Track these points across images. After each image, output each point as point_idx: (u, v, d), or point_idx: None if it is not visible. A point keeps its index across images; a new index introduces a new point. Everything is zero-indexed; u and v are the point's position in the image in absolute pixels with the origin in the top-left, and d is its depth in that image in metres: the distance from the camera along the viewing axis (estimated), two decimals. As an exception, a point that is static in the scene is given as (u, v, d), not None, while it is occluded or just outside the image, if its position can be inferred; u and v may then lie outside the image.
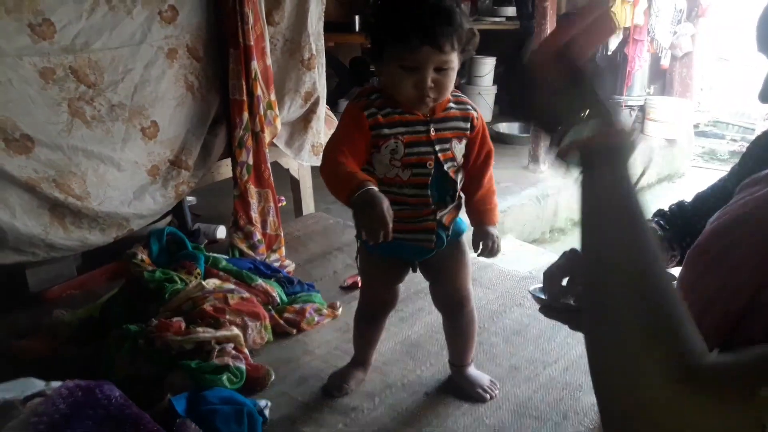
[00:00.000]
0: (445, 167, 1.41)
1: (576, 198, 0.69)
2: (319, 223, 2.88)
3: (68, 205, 2.07)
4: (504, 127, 5.03)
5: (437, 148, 1.39)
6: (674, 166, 5.30)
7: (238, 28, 2.35)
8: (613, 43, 4.71)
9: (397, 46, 1.26)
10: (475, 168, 1.48)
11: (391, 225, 1.18)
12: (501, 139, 4.82)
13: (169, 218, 2.79)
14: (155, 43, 2.26)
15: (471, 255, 1.57)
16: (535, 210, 4.03)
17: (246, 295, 1.85)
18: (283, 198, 3.45)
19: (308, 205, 3.19)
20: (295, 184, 3.15)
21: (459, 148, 1.43)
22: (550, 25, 4.01)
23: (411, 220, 1.45)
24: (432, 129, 1.39)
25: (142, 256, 1.96)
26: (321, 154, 2.95)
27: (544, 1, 3.98)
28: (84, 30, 2.07)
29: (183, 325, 1.68)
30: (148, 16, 2.23)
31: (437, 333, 1.94)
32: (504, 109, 5.71)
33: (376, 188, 1.22)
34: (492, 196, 1.52)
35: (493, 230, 1.50)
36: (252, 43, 2.39)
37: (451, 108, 1.42)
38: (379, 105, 1.37)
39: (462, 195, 1.52)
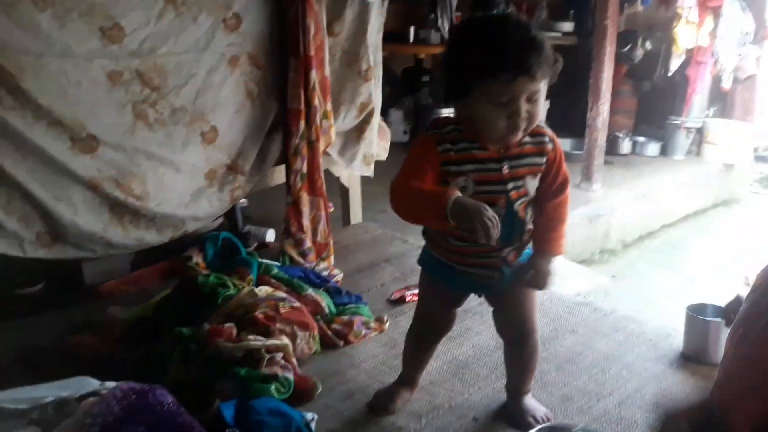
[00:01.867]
0: (516, 205, 1.37)
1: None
2: (367, 233, 2.88)
3: (128, 205, 2.11)
4: (556, 144, 4.95)
5: (510, 186, 1.35)
6: (731, 191, 5.12)
7: (300, 39, 2.38)
8: (675, 64, 4.58)
9: (489, 81, 1.22)
10: (547, 195, 1.42)
11: (497, 225, 1.19)
12: (552, 156, 4.75)
13: (221, 220, 2.83)
14: (218, 50, 2.30)
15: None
16: (586, 230, 3.94)
17: (296, 304, 1.85)
18: (332, 204, 3.46)
19: (356, 213, 3.19)
20: (344, 192, 3.16)
21: (533, 183, 1.38)
22: (610, 43, 3.93)
23: (475, 255, 1.43)
24: (505, 167, 1.35)
25: (197, 259, 1.99)
26: (372, 164, 2.98)
27: (605, 20, 3.91)
28: (152, 35, 2.12)
29: (234, 331, 1.69)
30: (213, 23, 2.27)
31: (486, 355, 1.90)
32: (557, 123, 5.62)
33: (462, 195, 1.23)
34: (560, 224, 1.45)
35: (550, 264, 1.44)
36: (312, 53, 2.41)
37: (526, 143, 1.36)
38: (454, 139, 1.34)
39: (531, 228, 1.46)
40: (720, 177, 5.00)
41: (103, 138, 2.05)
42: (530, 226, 1.43)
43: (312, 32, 2.41)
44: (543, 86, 1.26)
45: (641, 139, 5.07)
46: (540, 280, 1.44)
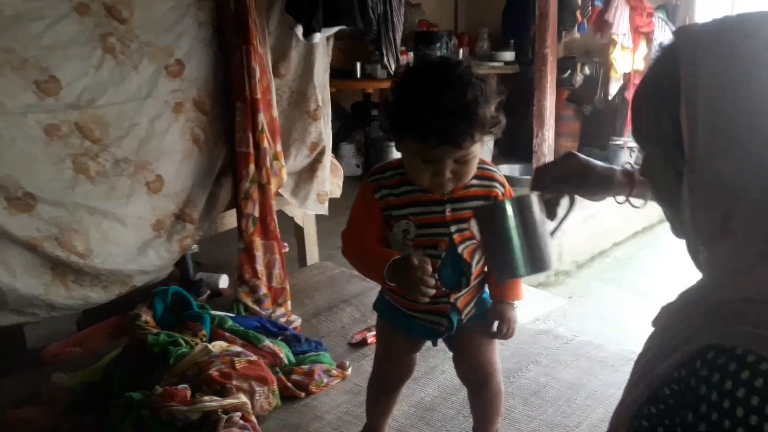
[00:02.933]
0: (460, 248, 1.35)
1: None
2: (324, 274, 2.83)
3: (70, 264, 2.02)
4: (505, 169, 5.02)
5: (453, 229, 1.34)
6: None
7: (245, 82, 2.35)
8: (614, 88, 4.75)
9: (416, 140, 1.22)
10: None
11: (431, 278, 1.21)
12: (503, 182, 4.82)
13: (171, 269, 2.74)
14: (162, 97, 2.25)
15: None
16: (540, 254, 3.99)
17: (253, 357, 1.78)
18: (286, 244, 3.40)
19: (312, 253, 3.14)
20: (299, 232, 3.11)
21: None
22: (550, 71, 4.05)
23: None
24: (448, 209, 1.34)
25: (146, 317, 1.90)
26: (326, 202, 2.96)
27: (544, 48, 4.02)
28: (90, 86, 2.06)
29: (189, 392, 1.61)
30: (155, 71, 2.22)
31: (452, 394, 1.87)
32: (504, 150, 5.73)
33: (403, 256, 1.26)
34: None
35: (511, 311, 1.43)
36: (259, 96, 2.39)
37: (472, 186, 1.35)
38: (395, 183, 1.34)
39: (485, 272, 1.44)
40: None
41: (41, 195, 1.96)
42: (478, 270, 1.40)
43: (257, 75, 2.39)
44: (475, 149, 1.25)
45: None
46: (503, 330, 1.42)
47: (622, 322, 3.49)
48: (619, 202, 1.17)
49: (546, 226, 1.11)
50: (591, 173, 1.13)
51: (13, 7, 1.89)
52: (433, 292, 1.23)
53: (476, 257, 1.38)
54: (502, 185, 1.39)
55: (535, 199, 1.10)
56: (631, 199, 1.16)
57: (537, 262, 1.09)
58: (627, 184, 1.14)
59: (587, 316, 3.56)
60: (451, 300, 1.40)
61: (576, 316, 3.52)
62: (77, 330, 2.56)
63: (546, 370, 1.99)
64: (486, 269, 1.42)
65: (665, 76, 0.76)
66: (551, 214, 1.15)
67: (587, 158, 1.15)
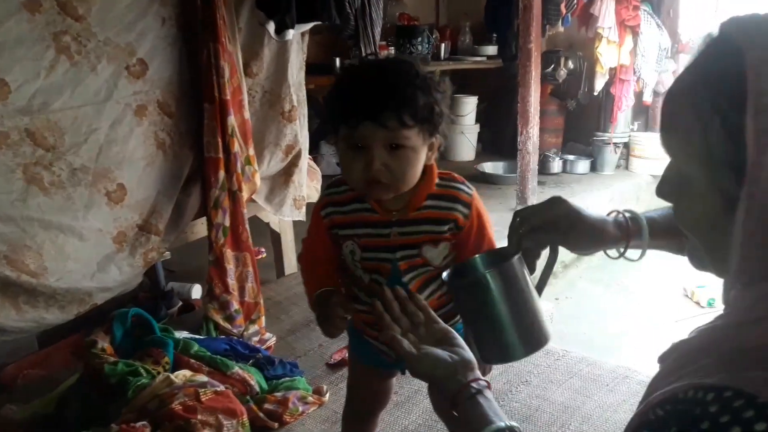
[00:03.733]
0: (406, 278, 1.20)
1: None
2: (302, 285, 2.67)
3: (21, 284, 1.85)
4: (489, 167, 4.91)
5: (399, 255, 1.19)
6: (661, 202, 5.20)
7: (213, 82, 2.19)
8: (599, 83, 4.64)
9: (341, 124, 1.10)
10: None
11: (343, 317, 1.14)
12: (486, 180, 4.70)
13: (140, 278, 2.58)
14: (122, 100, 2.09)
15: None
16: (526, 256, 3.89)
17: (220, 387, 1.64)
18: (263, 249, 3.26)
19: (290, 260, 3.00)
20: (275, 238, 2.97)
21: (436, 252, 1.20)
22: (534, 66, 3.93)
23: (373, 325, 1.26)
24: (394, 232, 1.19)
25: (103, 344, 1.75)
26: (303, 207, 2.81)
27: (528, 43, 3.90)
28: (42, 89, 1.89)
29: (148, 430, 1.47)
30: (115, 72, 2.06)
31: (438, 421, 1.75)
32: (487, 147, 5.62)
33: (331, 288, 1.20)
34: None
35: None
36: (228, 97, 2.23)
37: (426, 207, 1.19)
38: (346, 199, 1.22)
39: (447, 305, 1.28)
40: (649, 189, 5.09)
41: (-13, 209, 1.79)
42: (432, 302, 1.22)
43: (227, 74, 2.23)
44: (409, 135, 1.09)
45: (571, 157, 5.11)
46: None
47: (612, 324, 3.42)
48: (612, 257, 1.02)
49: (533, 291, 0.95)
50: (580, 224, 0.96)
51: (-44, 3, 1.72)
52: (338, 330, 1.17)
53: (429, 288, 1.23)
54: (467, 206, 1.20)
55: (517, 263, 0.93)
56: (628, 254, 1.01)
57: (534, 339, 0.93)
58: (622, 238, 0.99)
59: (575, 319, 3.48)
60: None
61: (564, 320, 3.44)
62: (38, 346, 2.40)
63: (537, 391, 1.88)
64: (446, 302, 1.26)
65: (721, 75, 0.61)
66: (530, 266, 0.98)
67: (576, 206, 0.99)
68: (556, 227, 0.97)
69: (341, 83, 1.14)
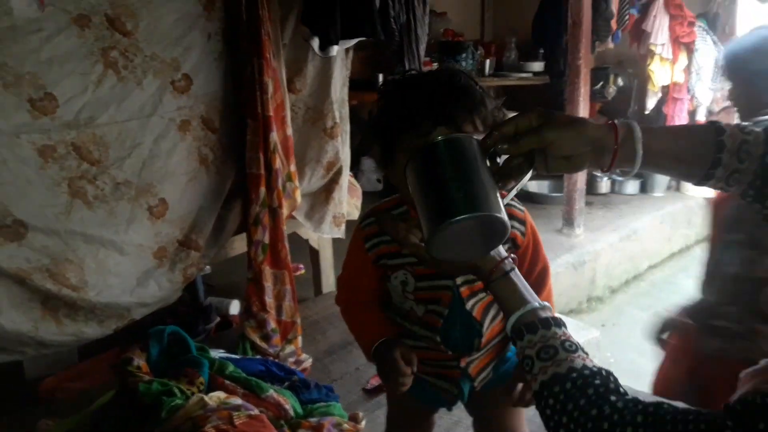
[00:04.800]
0: (469, 304, 1.14)
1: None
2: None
3: (62, 297, 1.86)
4: (533, 186, 4.80)
5: (459, 280, 1.13)
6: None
7: (257, 98, 2.18)
8: (651, 101, 4.49)
9: (409, 135, 1.01)
10: None
11: (410, 371, 1.08)
12: (530, 199, 4.59)
13: (180, 292, 2.58)
14: (167, 115, 2.09)
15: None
16: (572, 278, 3.76)
17: (254, 411, 1.60)
18: (301, 266, 3.23)
19: (328, 277, 2.96)
20: (314, 255, 2.94)
21: (489, 261, 1.14)
22: (584, 83, 3.82)
23: (429, 362, 1.20)
24: None
25: (139, 362, 1.73)
26: (342, 224, 2.78)
27: (578, 59, 3.80)
28: (89, 103, 1.91)
29: (181, 454, 1.44)
30: (160, 86, 2.07)
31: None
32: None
33: (391, 338, 1.13)
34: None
35: None
36: (271, 113, 2.21)
37: None
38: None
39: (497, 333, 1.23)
40: (702, 212, 4.89)
41: (32, 223, 1.80)
42: (494, 329, 1.19)
43: (270, 91, 2.22)
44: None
45: (619, 177, 4.96)
46: (528, 401, 1.16)
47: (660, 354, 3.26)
48: (602, 169, 0.87)
49: (488, 173, 0.85)
50: (556, 119, 0.84)
51: (9, 19, 1.75)
52: (406, 387, 1.09)
53: (490, 314, 1.17)
54: (523, 223, 1.15)
55: (473, 141, 0.86)
56: (620, 167, 0.86)
57: (474, 201, 0.81)
58: (611, 137, 0.83)
59: (622, 347, 3.34)
60: (462, 365, 1.19)
61: (610, 347, 3.31)
62: (78, 358, 2.42)
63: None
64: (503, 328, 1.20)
65: None
66: (503, 175, 0.87)
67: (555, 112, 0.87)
68: (531, 127, 0.85)
69: (397, 93, 1.07)
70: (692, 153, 0.87)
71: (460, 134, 0.92)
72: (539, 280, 1.19)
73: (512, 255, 0.97)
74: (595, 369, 0.80)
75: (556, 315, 0.89)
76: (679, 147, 0.88)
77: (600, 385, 0.77)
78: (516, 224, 1.14)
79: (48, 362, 2.35)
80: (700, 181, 0.89)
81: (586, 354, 0.83)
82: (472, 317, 1.14)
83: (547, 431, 0.79)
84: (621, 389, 0.78)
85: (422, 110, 1.00)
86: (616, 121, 0.85)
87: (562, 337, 0.84)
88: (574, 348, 0.82)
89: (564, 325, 0.87)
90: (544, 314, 0.87)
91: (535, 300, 0.89)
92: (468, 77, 1.05)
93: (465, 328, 1.15)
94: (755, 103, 1.61)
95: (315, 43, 2.34)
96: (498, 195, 0.85)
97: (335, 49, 2.40)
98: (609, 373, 0.80)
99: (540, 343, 0.83)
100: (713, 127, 0.88)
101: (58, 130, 1.86)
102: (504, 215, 0.83)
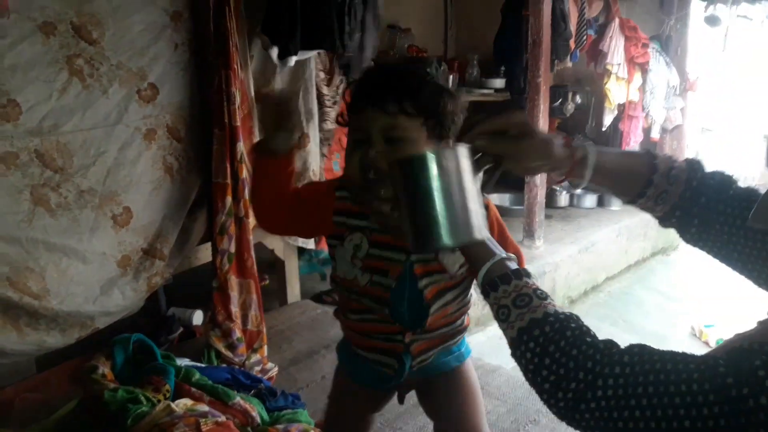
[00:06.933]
0: (421, 283, 1.16)
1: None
2: (305, 314, 2.65)
3: (23, 306, 1.83)
4: (495, 198, 4.90)
5: (414, 257, 1.14)
6: (667, 238, 5.18)
7: (224, 109, 2.20)
8: (608, 119, 4.65)
9: (351, 117, 1.13)
10: None
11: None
12: (493, 212, 4.69)
13: (140, 305, 2.55)
14: (132, 124, 2.09)
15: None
16: (532, 289, 3.85)
17: (221, 418, 1.60)
18: (266, 276, 3.23)
19: (293, 288, 2.97)
20: (279, 265, 2.94)
21: (452, 258, 1.15)
22: (543, 101, 3.94)
23: (375, 334, 1.22)
24: None
25: (104, 369, 1.72)
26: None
27: (537, 77, 3.92)
28: (53, 111, 1.90)
29: (147, 461, 1.43)
30: (126, 95, 2.07)
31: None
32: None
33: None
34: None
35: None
36: (238, 123, 2.23)
37: None
38: None
39: (458, 321, 1.26)
40: (656, 225, 5.03)
41: (-8, 230, 1.78)
42: (439, 316, 1.20)
43: (238, 101, 2.23)
44: (410, 125, 1.06)
45: (578, 191, 5.09)
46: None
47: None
48: (556, 180, 1.07)
49: (476, 186, 0.93)
50: (531, 135, 1.00)
51: (-28, 25, 1.73)
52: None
53: (442, 299, 1.18)
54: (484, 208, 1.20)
55: (464, 152, 0.91)
56: (571, 180, 1.05)
57: (463, 228, 0.89)
58: (568, 161, 1.01)
59: (581, 357, 3.41)
60: (406, 340, 1.21)
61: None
62: (36, 369, 2.36)
63: (546, 431, 1.82)
64: (454, 319, 1.24)
65: None
66: (479, 164, 0.97)
67: (531, 123, 1.05)
68: (509, 133, 1.00)
69: (360, 80, 1.15)
70: (629, 174, 1.04)
71: (449, 147, 0.98)
72: None
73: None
74: (567, 313, 0.85)
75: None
76: (621, 168, 1.05)
77: (575, 327, 0.82)
78: None
79: (4, 372, 2.30)
80: (632, 199, 1.05)
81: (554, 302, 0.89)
82: (423, 296, 1.16)
83: (526, 377, 0.84)
84: (593, 332, 0.82)
85: (361, 94, 1.10)
86: (574, 145, 1.02)
87: (533, 286, 0.89)
88: (545, 296, 0.87)
89: (531, 275, 0.92)
90: (513, 265, 0.91)
91: (501, 252, 0.93)
92: (419, 67, 1.15)
93: (412, 305, 1.17)
94: None
95: (274, 52, 2.36)
96: (481, 209, 0.92)
97: (293, 60, 2.43)
98: (579, 318, 0.85)
99: (514, 292, 0.87)
100: (649, 153, 1.06)
101: (21, 137, 1.85)
102: (485, 230, 0.92)
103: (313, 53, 2.54)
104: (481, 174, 0.98)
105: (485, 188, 0.99)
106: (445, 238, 0.88)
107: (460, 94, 1.17)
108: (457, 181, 0.89)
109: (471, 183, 0.91)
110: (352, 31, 2.51)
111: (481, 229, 0.91)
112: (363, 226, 1.15)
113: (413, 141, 1.07)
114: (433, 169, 0.88)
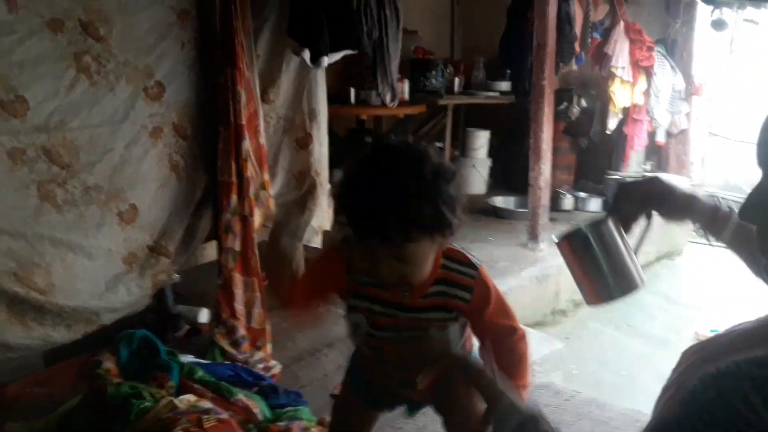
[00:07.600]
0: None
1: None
2: (308, 313, 2.65)
3: (29, 301, 1.85)
4: (499, 201, 4.89)
5: (405, 335, 1.21)
6: (673, 243, 5.17)
7: (230, 107, 2.21)
8: (612, 122, 4.65)
9: (352, 230, 1.10)
10: (487, 341, 1.15)
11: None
12: (496, 214, 4.68)
13: (147, 302, 2.56)
14: (138, 121, 2.11)
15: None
16: (536, 291, 3.83)
17: (223, 415, 1.61)
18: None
19: (297, 287, 2.97)
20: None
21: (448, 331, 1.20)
22: (548, 103, 3.94)
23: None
24: (401, 316, 1.19)
25: (109, 364, 1.73)
26: (320, 234, 2.79)
27: (542, 80, 3.92)
28: (61, 107, 1.92)
29: (149, 455, 1.44)
30: (132, 93, 2.08)
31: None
32: (498, 181, 5.61)
33: None
34: (515, 369, 1.19)
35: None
36: (244, 122, 2.24)
37: (432, 293, 1.17)
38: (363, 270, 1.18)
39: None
40: (661, 230, 5.02)
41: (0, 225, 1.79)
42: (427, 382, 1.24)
43: (243, 100, 2.25)
44: (419, 251, 1.08)
45: (583, 195, 5.09)
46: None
47: (622, 366, 3.35)
48: (697, 234, 1.09)
49: (628, 245, 1.08)
50: (670, 195, 1.07)
51: (-19, 21, 1.75)
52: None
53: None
54: (468, 290, 1.18)
55: (611, 223, 1.07)
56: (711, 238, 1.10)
57: (628, 283, 1.06)
58: (711, 216, 1.06)
59: (585, 360, 3.41)
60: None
61: (573, 359, 3.37)
62: (44, 364, 2.37)
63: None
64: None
65: None
66: (626, 228, 1.09)
67: (670, 183, 1.09)
68: (650, 198, 1.08)
69: (354, 178, 1.10)
70: None
71: (602, 221, 1.07)
72: (500, 337, 1.19)
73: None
74: None
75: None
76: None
77: None
78: (460, 293, 1.18)
79: (13, 367, 2.31)
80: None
81: None
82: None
83: None
84: None
85: (359, 218, 1.07)
86: (721, 202, 1.08)
87: None
88: None
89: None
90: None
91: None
92: (416, 172, 1.05)
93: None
94: None
95: (306, 55, 2.38)
96: (637, 264, 1.07)
97: (326, 61, 2.44)
98: None
99: None
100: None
101: (29, 133, 1.86)
102: (644, 280, 1.07)
103: (342, 54, 2.55)
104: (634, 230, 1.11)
105: (639, 243, 1.11)
106: (617, 292, 1.06)
107: (458, 173, 1.13)
108: (615, 246, 1.05)
109: (626, 244, 1.06)
110: (369, 31, 2.53)
111: (643, 278, 1.07)
112: (363, 307, 1.19)
113: (422, 254, 1.10)
114: (594, 243, 1.05)
